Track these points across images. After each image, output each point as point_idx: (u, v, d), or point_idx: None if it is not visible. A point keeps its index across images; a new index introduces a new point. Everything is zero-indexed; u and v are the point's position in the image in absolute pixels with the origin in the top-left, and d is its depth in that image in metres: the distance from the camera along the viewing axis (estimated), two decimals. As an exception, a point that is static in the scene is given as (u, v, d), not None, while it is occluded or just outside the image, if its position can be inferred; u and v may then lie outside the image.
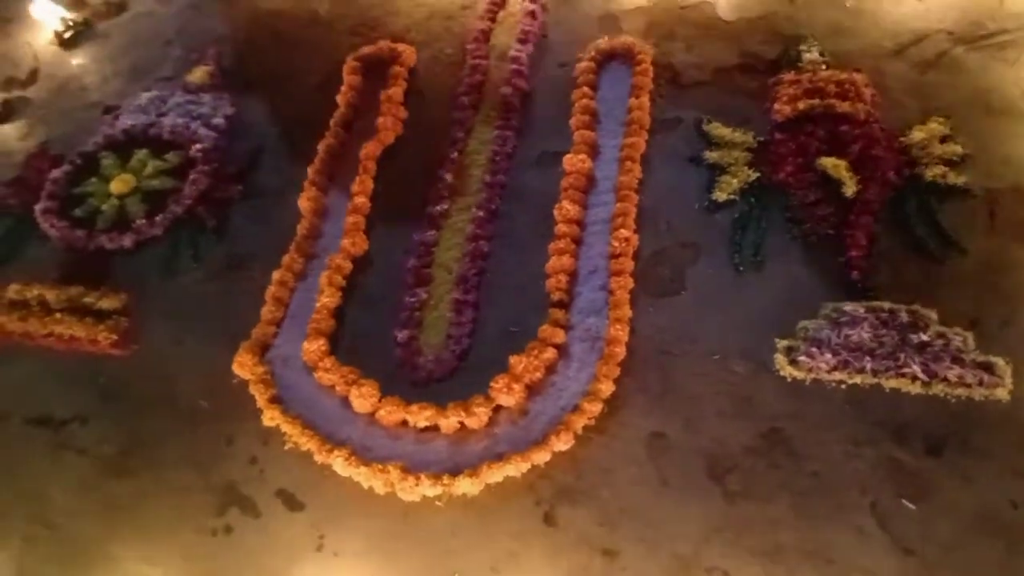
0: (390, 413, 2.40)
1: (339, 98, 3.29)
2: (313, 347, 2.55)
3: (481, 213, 2.86)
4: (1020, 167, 2.75)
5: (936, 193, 2.72)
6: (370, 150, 3.07)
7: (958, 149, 2.80)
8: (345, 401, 2.47)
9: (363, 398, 2.42)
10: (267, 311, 2.69)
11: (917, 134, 2.86)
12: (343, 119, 3.21)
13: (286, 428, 2.43)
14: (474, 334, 2.59)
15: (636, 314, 2.55)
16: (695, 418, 2.34)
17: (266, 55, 3.67)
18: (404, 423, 2.40)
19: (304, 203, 2.94)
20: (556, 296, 2.61)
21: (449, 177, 2.99)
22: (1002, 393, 2.25)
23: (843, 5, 3.37)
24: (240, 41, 3.74)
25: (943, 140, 2.84)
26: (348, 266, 2.77)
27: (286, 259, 2.80)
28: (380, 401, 2.43)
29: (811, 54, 3.17)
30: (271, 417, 2.45)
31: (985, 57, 3.10)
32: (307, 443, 2.38)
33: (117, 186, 3.15)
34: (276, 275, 2.75)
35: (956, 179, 2.73)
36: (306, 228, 2.88)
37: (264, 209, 3.07)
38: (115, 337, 2.72)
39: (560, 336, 2.51)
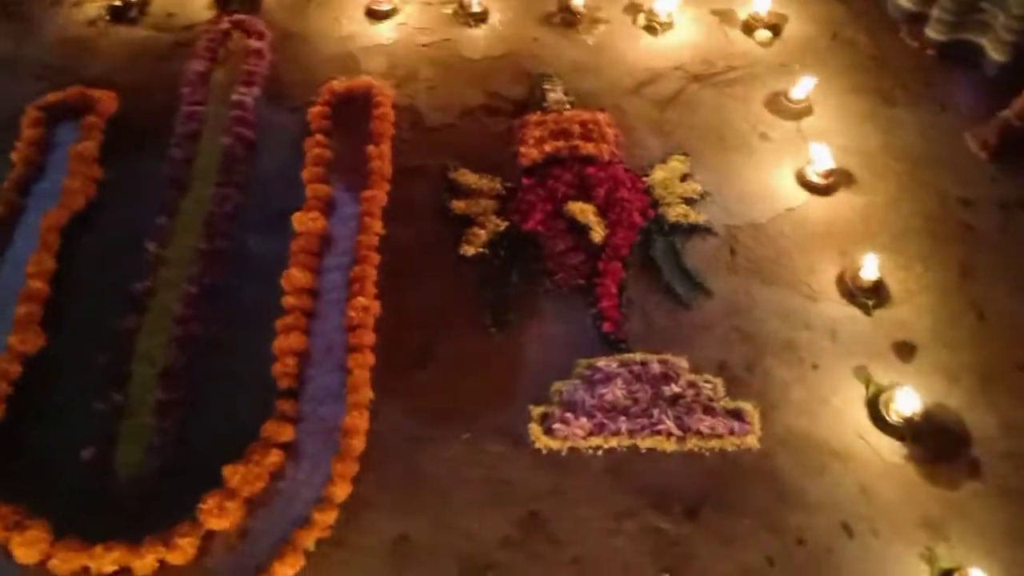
0: (65, 561, 1.89)
1: (14, 155, 2.70)
2: (-39, 485, 1.98)
3: (193, 289, 2.42)
4: (754, 203, 2.80)
5: (679, 233, 2.69)
6: (52, 220, 2.51)
7: (697, 187, 2.80)
8: (6, 551, 1.93)
9: (28, 545, 1.89)
10: (-102, 441, 2.07)
11: (659, 173, 2.84)
12: (18, 181, 2.63)
13: (-84, 603, 1.85)
14: (184, 442, 2.15)
15: (379, 396, 2.25)
16: (446, 513, 2.06)
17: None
18: (86, 570, 1.91)
19: (-40, 293, 2.35)
20: (284, 383, 2.23)
21: (154, 247, 2.51)
22: (752, 441, 2.21)
23: (585, 43, 3.33)
24: None
25: (683, 178, 2.84)
26: (16, 369, 2.20)
27: (-71, 368, 2.19)
28: (52, 546, 1.91)
29: (556, 93, 3.06)
30: None
31: (717, 94, 3.17)
32: (-54, 620, 1.82)
33: None
34: (-87, 391, 2.14)
35: (697, 218, 2.72)
36: (-40, 325, 2.29)
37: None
38: None
39: (288, 432, 2.13)
